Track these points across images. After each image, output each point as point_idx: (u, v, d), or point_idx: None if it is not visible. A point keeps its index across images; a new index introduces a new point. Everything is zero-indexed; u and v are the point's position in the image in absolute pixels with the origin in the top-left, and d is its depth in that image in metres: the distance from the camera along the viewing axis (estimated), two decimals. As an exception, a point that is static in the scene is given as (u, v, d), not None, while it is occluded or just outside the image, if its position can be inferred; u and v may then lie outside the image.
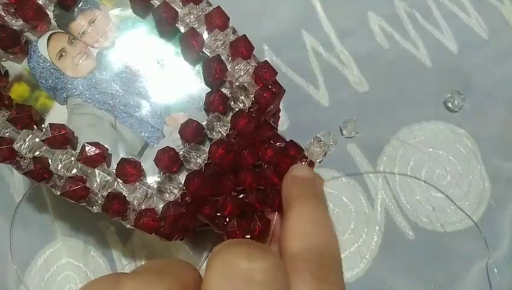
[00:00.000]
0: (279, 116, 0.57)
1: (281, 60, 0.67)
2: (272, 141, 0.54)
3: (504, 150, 0.63)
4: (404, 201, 0.61)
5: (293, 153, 0.53)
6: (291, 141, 0.54)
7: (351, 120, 0.63)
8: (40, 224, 0.61)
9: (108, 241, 0.61)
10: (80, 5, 0.56)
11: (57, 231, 0.62)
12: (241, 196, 0.52)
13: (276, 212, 0.54)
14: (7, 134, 0.50)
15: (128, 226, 0.50)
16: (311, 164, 0.54)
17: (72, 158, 0.50)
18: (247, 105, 0.51)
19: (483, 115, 0.64)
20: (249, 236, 0.52)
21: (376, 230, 0.60)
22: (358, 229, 0.60)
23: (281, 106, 0.57)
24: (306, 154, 0.53)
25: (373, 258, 0.59)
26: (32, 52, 0.55)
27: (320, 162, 0.54)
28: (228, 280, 0.34)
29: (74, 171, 0.50)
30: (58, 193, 0.50)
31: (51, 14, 0.56)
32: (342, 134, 0.63)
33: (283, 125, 0.64)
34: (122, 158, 0.50)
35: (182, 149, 0.51)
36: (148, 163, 0.51)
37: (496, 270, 0.58)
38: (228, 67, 0.52)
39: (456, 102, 0.64)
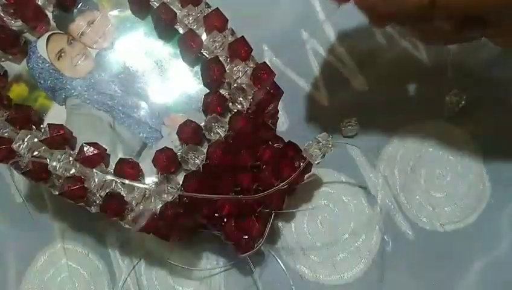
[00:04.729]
0: (278, 117, 0.57)
1: (280, 60, 0.67)
2: (270, 142, 0.54)
3: (504, 150, 0.63)
4: (404, 201, 0.61)
5: (291, 154, 0.53)
6: (289, 142, 0.54)
7: (350, 120, 0.63)
8: (40, 225, 0.61)
9: (106, 243, 0.61)
10: (79, 6, 0.56)
11: (56, 232, 0.62)
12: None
13: (273, 213, 0.54)
14: (6, 134, 0.51)
15: (126, 226, 0.51)
16: (309, 165, 0.54)
17: (71, 158, 0.50)
18: (245, 106, 0.52)
19: (483, 115, 0.64)
20: (246, 237, 0.52)
21: (376, 230, 0.60)
22: (358, 229, 0.60)
23: (280, 106, 0.57)
24: (304, 155, 0.53)
25: (373, 258, 0.59)
26: (31, 53, 0.55)
27: (318, 163, 0.54)
28: None
29: (72, 171, 0.50)
30: (57, 193, 0.50)
31: (50, 15, 0.56)
32: (342, 134, 0.63)
33: (283, 126, 0.64)
34: (120, 158, 0.51)
35: (180, 150, 0.51)
36: (146, 163, 0.51)
37: (495, 269, 0.58)
38: (226, 68, 0.52)
39: (455, 101, 0.64)
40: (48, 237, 0.62)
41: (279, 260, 0.59)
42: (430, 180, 0.62)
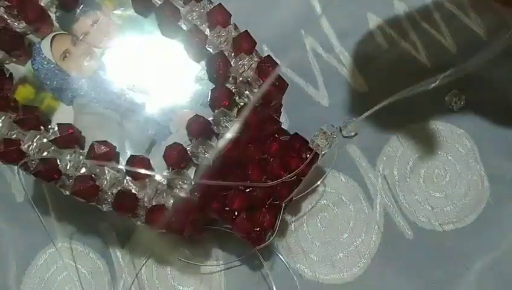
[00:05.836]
0: (281, 112, 0.58)
1: (280, 60, 0.67)
2: (276, 135, 0.54)
3: (503, 150, 0.63)
4: (403, 201, 0.62)
5: (298, 145, 0.54)
6: (295, 134, 0.54)
7: (350, 120, 0.63)
8: (41, 224, 0.61)
9: (107, 243, 0.61)
10: (81, 7, 0.56)
11: (57, 232, 0.62)
12: (249, 189, 0.52)
13: (283, 204, 0.54)
14: (14, 136, 0.51)
15: (138, 223, 0.51)
16: (316, 156, 0.54)
17: (81, 157, 0.50)
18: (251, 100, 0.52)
19: (482, 115, 0.64)
20: (258, 229, 0.53)
21: (375, 229, 0.60)
22: (357, 229, 0.60)
23: (280, 106, 0.58)
24: (311, 146, 0.54)
25: (372, 257, 0.59)
26: (35, 54, 0.55)
27: (324, 154, 0.55)
28: None
29: (83, 170, 0.50)
30: (68, 193, 0.50)
31: (53, 16, 0.56)
32: (342, 134, 0.63)
33: (283, 125, 0.64)
34: (131, 155, 0.51)
35: (189, 145, 0.51)
36: (156, 160, 0.51)
37: (494, 269, 0.58)
38: (231, 63, 0.52)
39: (455, 102, 0.64)
40: (49, 238, 0.61)
41: (282, 258, 0.59)
42: (429, 180, 0.62)
